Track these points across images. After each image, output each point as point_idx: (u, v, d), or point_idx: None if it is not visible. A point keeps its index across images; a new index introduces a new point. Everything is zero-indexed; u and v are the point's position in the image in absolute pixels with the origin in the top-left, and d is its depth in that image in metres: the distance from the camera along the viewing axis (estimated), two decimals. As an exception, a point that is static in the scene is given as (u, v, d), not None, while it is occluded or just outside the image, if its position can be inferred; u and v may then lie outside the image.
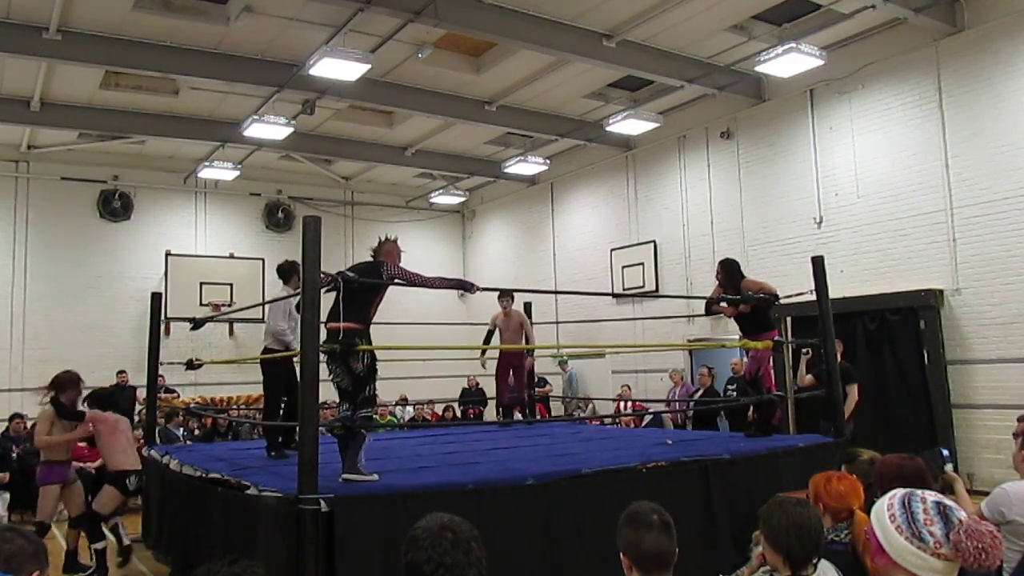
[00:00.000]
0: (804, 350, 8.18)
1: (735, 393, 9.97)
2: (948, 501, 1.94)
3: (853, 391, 8.04)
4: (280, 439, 6.56)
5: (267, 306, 6.77)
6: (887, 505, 1.97)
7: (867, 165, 10.52)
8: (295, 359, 6.67)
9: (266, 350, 6.66)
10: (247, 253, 15.40)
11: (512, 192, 17.12)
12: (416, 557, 1.93)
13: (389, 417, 12.10)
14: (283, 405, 6.80)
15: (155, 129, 12.95)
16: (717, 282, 7.34)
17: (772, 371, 7.65)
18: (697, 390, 11.57)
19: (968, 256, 9.47)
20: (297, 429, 4.63)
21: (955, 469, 4.31)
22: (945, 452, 4.33)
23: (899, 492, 1.98)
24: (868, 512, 2.90)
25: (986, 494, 3.93)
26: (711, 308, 7.48)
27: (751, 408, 8.70)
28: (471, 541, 1.97)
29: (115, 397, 7.77)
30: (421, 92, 12.02)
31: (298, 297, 6.36)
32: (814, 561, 2.61)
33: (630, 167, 14.38)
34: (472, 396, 15.16)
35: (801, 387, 8.26)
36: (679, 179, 13.35)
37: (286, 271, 6.80)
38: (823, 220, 11.03)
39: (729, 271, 7.22)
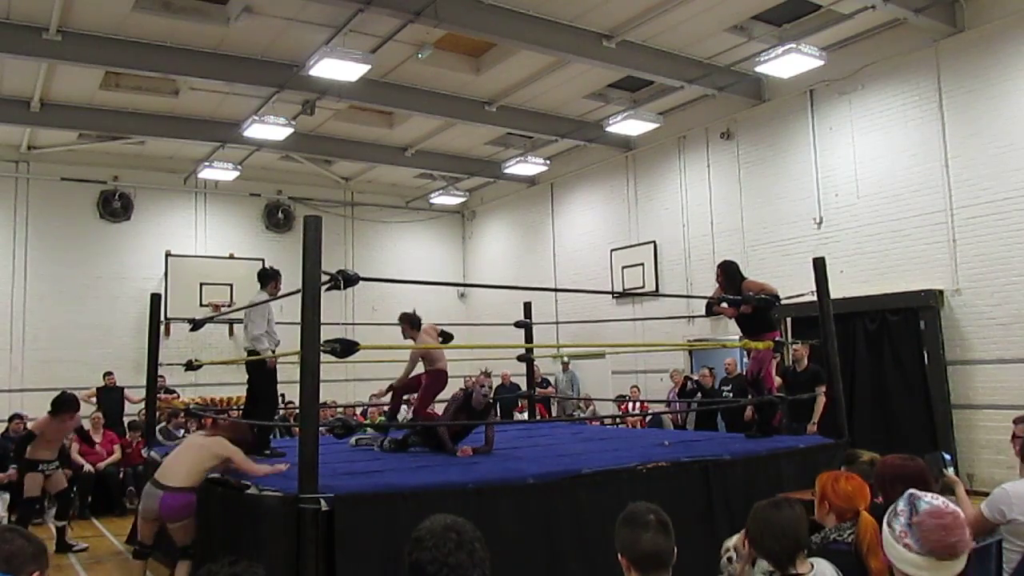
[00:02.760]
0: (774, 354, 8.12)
1: (731, 394, 9.96)
2: (922, 493, 2.07)
3: (822, 393, 8.03)
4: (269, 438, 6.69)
5: (248, 309, 6.81)
6: (892, 506, 2.12)
7: (867, 165, 10.51)
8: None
9: (251, 353, 6.74)
10: (247, 254, 15.38)
11: (512, 192, 17.11)
12: (420, 558, 1.93)
13: (380, 418, 12.01)
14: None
15: (155, 129, 12.94)
16: (718, 284, 7.33)
17: (773, 372, 7.65)
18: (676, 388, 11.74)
19: (968, 256, 9.46)
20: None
21: (956, 471, 4.32)
22: (947, 456, 4.34)
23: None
24: (872, 513, 2.92)
25: (986, 495, 3.93)
26: (712, 309, 7.47)
27: (749, 409, 8.72)
28: (475, 542, 1.97)
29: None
30: (421, 92, 12.02)
31: (275, 302, 6.56)
32: (805, 559, 2.65)
33: (630, 167, 14.38)
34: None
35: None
36: (679, 179, 13.35)
37: (269, 276, 6.92)
38: (823, 220, 11.03)
39: (729, 273, 7.21)
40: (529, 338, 9.94)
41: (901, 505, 2.12)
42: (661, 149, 13.62)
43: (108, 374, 12.21)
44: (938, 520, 1.99)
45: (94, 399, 11.76)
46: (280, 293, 6.79)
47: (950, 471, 4.21)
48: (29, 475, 7.44)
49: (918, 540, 2.01)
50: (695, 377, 11.60)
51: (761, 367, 7.16)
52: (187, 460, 5.24)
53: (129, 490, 9.80)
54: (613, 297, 14.11)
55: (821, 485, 3.23)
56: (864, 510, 3.00)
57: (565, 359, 14.73)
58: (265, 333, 6.65)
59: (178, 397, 12.74)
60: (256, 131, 12.01)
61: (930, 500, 2.07)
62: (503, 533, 4.42)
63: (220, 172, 14.16)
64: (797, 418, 8.52)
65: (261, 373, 6.71)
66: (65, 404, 7.55)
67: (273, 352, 6.66)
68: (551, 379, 14.51)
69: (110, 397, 11.86)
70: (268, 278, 6.92)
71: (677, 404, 11.49)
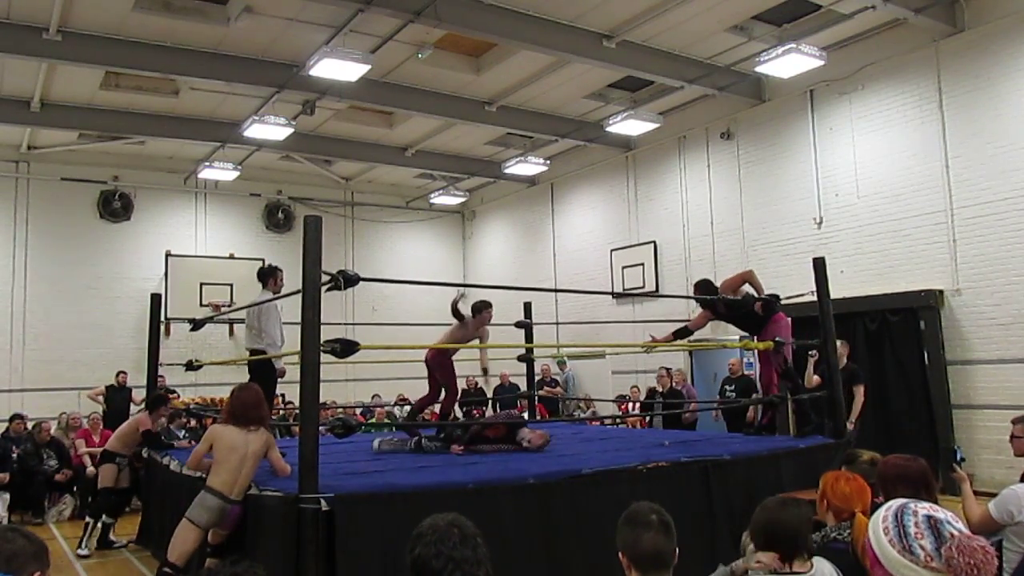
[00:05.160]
0: (811, 352, 8.08)
1: (734, 394, 9.97)
2: (940, 514, 1.93)
3: (860, 392, 8.04)
4: None
5: (252, 308, 6.80)
6: (882, 518, 1.98)
7: (867, 165, 10.51)
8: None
9: (253, 352, 6.71)
10: (247, 254, 15.37)
11: (512, 192, 17.12)
12: (424, 553, 1.91)
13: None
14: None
15: (155, 129, 12.94)
16: (700, 309, 7.42)
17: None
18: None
19: (968, 256, 9.46)
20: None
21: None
22: (959, 452, 4.33)
23: (894, 504, 1.98)
24: (871, 513, 2.92)
25: (986, 495, 3.94)
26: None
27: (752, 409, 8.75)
28: (476, 537, 1.97)
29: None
30: (421, 92, 12.01)
31: (276, 302, 6.55)
32: (805, 559, 2.65)
33: (630, 167, 14.38)
34: (472, 397, 15.12)
35: (808, 387, 8.20)
36: (679, 179, 13.35)
37: (268, 273, 6.93)
38: (823, 220, 11.03)
39: (705, 291, 7.28)
40: (529, 338, 9.93)
41: (913, 527, 1.93)
42: (661, 149, 13.62)
43: (121, 373, 12.23)
44: (974, 552, 1.88)
45: (101, 397, 11.77)
46: (281, 291, 6.79)
47: (959, 468, 4.21)
48: (105, 466, 7.56)
49: (954, 569, 1.84)
50: (656, 387, 11.53)
51: (783, 360, 7.16)
52: (248, 473, 4.92)
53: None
54: (613, 297, 14.10)
55: (823, 483, 3.28)
56: (860, 512, 3.01)
57: (562, 359, 14.72)
58: (279, 336, 6.67)
59: (178, 397, 12.72)
60: (256, 131, 12.01)
61: (958, 527, 1.91)
62: (503, 533, 4.42)
63: (220, 172, 14.15)
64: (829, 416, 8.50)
65: (266, 373, 6.66)
66: (161, 401, 7.88)
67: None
68: (559, 379, 14.47)
69: (119, 396, 11.87)
70: (268, 275, 6.90)
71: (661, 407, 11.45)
